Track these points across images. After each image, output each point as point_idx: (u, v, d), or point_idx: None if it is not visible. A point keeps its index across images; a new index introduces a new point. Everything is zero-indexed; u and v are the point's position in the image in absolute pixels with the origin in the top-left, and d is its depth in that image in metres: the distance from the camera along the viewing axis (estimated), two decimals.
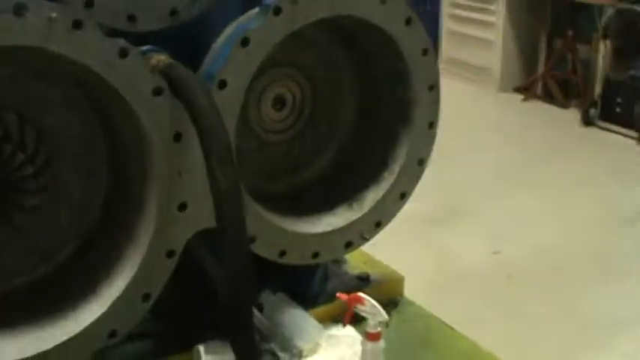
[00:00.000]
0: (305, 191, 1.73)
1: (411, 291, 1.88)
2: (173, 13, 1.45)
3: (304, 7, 1.43)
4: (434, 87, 1.67)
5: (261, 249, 1.54)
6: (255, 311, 1.57)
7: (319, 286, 1.76)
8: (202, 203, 1.40)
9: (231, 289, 1.23)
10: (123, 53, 1.27)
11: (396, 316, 1.78)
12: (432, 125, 1.70)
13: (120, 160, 1.46)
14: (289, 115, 1.71)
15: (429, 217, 3.92)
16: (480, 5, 5.31)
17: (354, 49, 1.71)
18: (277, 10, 1.41)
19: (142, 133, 1.34)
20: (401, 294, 1.88)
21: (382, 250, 1.91)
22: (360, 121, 1.78)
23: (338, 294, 1.43)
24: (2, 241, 1.42)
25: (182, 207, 1.41)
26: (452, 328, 1.76)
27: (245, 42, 1.39)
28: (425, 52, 1.63)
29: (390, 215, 1.72)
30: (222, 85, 1.39)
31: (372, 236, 1.72)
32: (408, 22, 1.58)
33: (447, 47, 5.65)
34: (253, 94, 1.63)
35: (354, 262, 1.94)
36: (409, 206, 1.71)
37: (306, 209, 1.67)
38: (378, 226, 1.71)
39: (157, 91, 1.32)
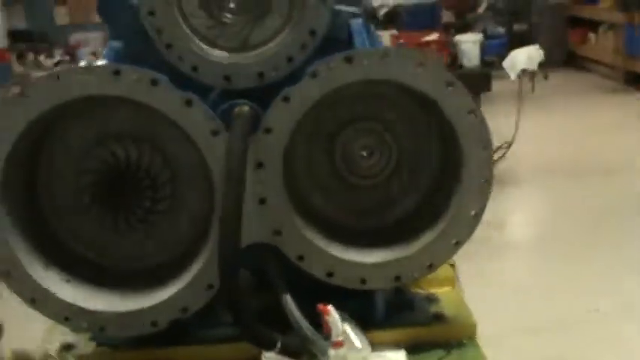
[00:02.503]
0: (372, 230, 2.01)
1: None
2: (260, 75, 1.91)
3: (338, 72, 1.77)
4: (486, 147, 1.82)
5: (307, 267, 1.88)
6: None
7: (384, 312, 2.00)
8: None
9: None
10: (188, 103, 1.78)
11: (453, 355, 1.93)
12: (487, 182, 1.85)
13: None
14: (376, 163, 2.01)
15: None
16: None
17: (434, 112, 1.94)
18: (314, 74, 1.77)
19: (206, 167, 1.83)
20: (472, 337, 2.00)
21: None
22: (441, 175, 2.00)
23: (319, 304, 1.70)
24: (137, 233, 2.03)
25: None
26: None
27: (286, 99, 1.78)
28: (471, 112, 1.80)
29: (442, 259, 1.90)
30: (268, 131, 1.80)
31: (421, 275, 1.93)
32: (449, 84, 1.78)
33: None
34: (339, 144, 1.99)
35: (448, 303, 2.12)
36: None
37: (366, 244, 1.95)
38: (430, 267, 1.90)
39: (215, 133, 1.79)
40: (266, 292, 1.93)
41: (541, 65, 4.95)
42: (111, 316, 1.91)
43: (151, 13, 1.89)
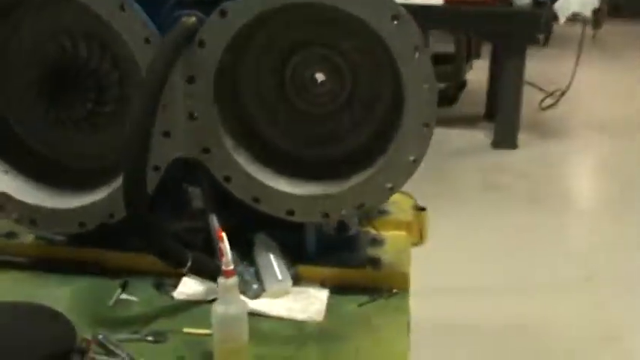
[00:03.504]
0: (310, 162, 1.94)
1: None
2: None
3: None
4: (430, 87, 1.70)
5: (234, 189, 1.83)
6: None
7: (315, 248, 1.95)
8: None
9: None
10: (122, 8, 1.72)
11: (377, 303, 1.86)
12: (428, 126, 1.73)
13: None
14: (329, 92, 1.92)
15: None
16: None
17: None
18: None
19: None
20: (404, 287, 1.92)
21: None
22: (388, 114, 1.89)
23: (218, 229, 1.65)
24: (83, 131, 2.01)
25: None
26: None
27: (223, 13, 1.70)
28: (417, 49, 1.67)
29: (374, 201, 1.82)
30: (201, 44, 1.73)
31: (349, 214, 1.85)
32: (395, 17, 1.65)
33: None
34: (290, 68, 1.90)
35: (392, 248, 2.04)
36: None
37: (301, 176, 1.88)
38: (360, 208, 1.82)
39: (147, 40, 1.73)
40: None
41: (595, 12, 4.60)
42: (41, 210, 1.93)
43: None
